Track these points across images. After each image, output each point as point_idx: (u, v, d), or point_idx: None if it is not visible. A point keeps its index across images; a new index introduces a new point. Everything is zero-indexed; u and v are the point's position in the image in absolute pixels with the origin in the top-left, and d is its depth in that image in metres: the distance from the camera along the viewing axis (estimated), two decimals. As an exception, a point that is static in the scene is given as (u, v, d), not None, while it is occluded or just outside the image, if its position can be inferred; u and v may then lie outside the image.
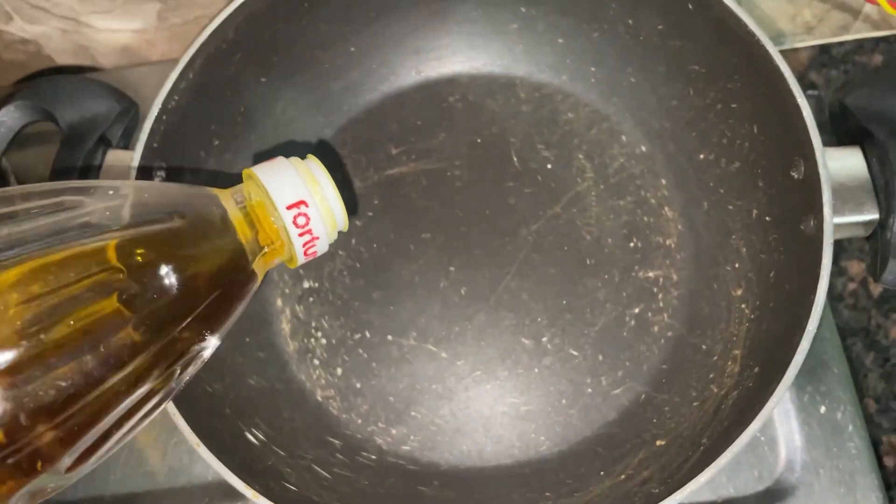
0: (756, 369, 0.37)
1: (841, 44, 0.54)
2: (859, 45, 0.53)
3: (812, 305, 0.34)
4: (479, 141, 0.48)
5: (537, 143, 0.48)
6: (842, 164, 0.37)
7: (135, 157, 0.39)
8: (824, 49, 0.54)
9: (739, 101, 0.42)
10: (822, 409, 0.43)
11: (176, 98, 0.40)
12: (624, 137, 0.48)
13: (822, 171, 0.35)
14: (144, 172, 0.39)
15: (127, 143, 0.42)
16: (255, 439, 0.39)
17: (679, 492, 0.32)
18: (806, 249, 0.36)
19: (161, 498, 0.45)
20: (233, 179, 0.45)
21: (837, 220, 0.35)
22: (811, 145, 0.36)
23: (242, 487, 0.33)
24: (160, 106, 0.40)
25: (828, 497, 0.42)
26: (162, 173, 0.40)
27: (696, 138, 0.45)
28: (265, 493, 0.34)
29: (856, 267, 0.49)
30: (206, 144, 0.44)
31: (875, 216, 0.35)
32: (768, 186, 0.40)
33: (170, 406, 0.34)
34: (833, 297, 0.48)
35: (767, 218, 0.40)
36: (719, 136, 0.43)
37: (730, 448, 0.32)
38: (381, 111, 0.49)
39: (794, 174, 0.38)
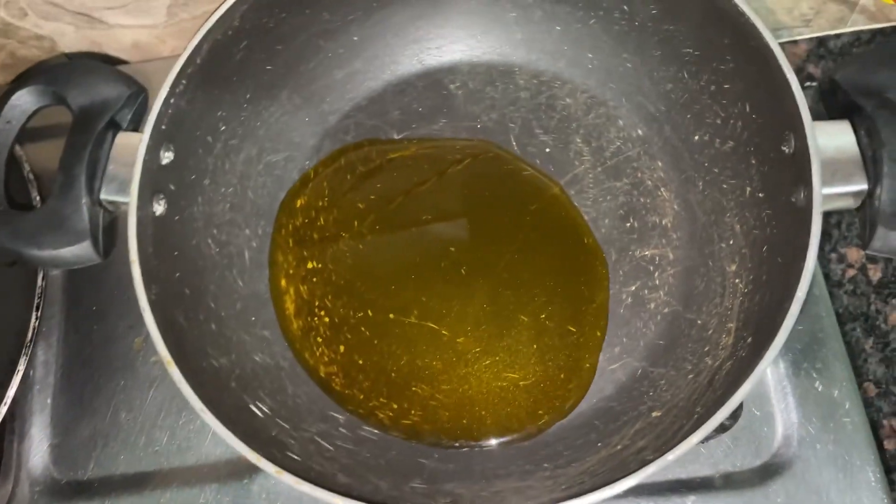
0: (749, 339, 0.38)
1: (838, 36, 0.54)
2: (856, 37, 0.54)
3: (801, 272, 0.34)
4: (479, 126, 0.49)
5: (536, 129, 0.49)
6: (831, 138, 0.37)
7: (143, 137, 0.40)
8: (822, 42, 0.55)
9: (732, 82, 0.43)
10: (819, 386, 0.44)
11: (184, 82, 0.42)
12: (620, 121, 0.49)
13: (810, 142, 0.36)
14: (153, 154, 0.40)
15: (136, 128, 0.43)
16: (260, 412, 0.40)
17: (672, 451, 0.32)
18: (797, 221, 0.37)
19: (169, 477, 0.46)
20: (237, 166, 0.47)
21: (827, 191, 0.36)
22: (800, 119, 0.37)
23: (247, 451, 0.34)
24: (168, 89, 0.41)
25: (824, 472, 0.42)
26: (170, 155, 0.42)
27: (690, 120, 0.46)
28: (269, 459, 0.35)
29: (855, 253, 0.49)
30: (213, 129, 0.45)
31: (864, 186, 0.36)
32: (761, 163, 0.41)
33: (175, 374, 0.35)
34: (832, 283, 0.48)
35: (760, 194, 0.41)
36: (713, 117, 0.44)
37: (721, 409, 0.32)
38: (383, 98, 0.51)
39: (784, 149, 0.38)
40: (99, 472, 0.46)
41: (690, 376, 0.40)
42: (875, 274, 0.49)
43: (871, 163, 0.36)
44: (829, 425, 0.43)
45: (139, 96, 0.43)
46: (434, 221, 0.47)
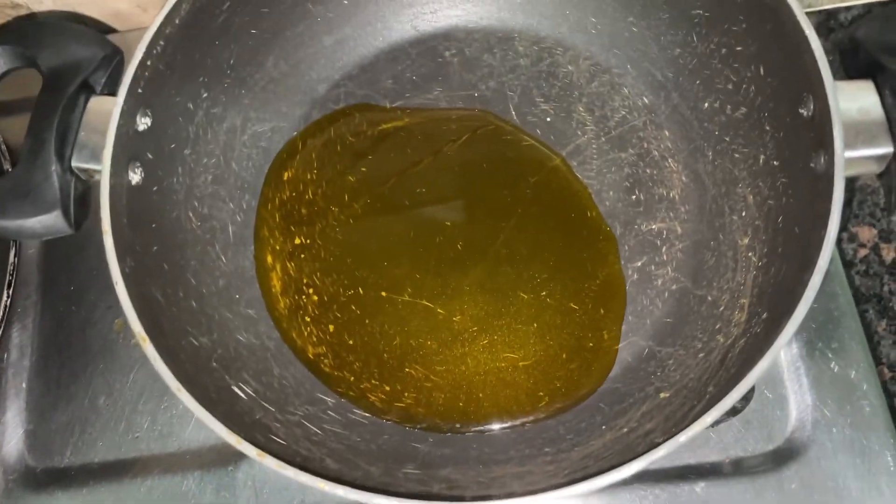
0: (764, 315, 0.35)
1: (848, 9, 0.52)
2: (868, 9, 0.52)
3: (823, 241, 0.32)
4: (476, 95, 0.47)
5: (536, 97, 0.46)
6: (853, 99, 0.35)
7: (117, 100, 0.37)
8: (831, 14, 0.52)
9: (744, 43, 0.40)
10: (835, 367, 0.41)
11: (161, 43, 0.39)
12: (625, 89, 0.46)
13: (831, 102, 0.33)
14: (128, 119, 0.38)
15: (112, 93, 0.40)
16: (243, 393, 0.38)
17: (684, 432, 0.30)
18: (816, 187, 0.34)
19: (150, 464, 0.44)
20: (220, 136, 0.44)
21: (849, 154, 0.33)
22: (820, 78, 0.34)
23: (226, 433, 0.31)
24: (144, 50, 0.38)
25: (840, 456, 0.40)
26: (147, 121, 0.39)
27: (699, 86, 0.43)
28: (252, 443, 0.33)
29: (867, 232, 0.47)
30: (195, 96, 0.43)
31: (889, 150, 0.34)
32: (776, 129, 0.39)
33: (150, 350, 0.33)
34: (844, 263, 0.46)
35: (775, 162, 0.39)
36: (724, 82, 0.42)
37: (737, 388, 0.30)
38: (374, 67, 0.48)
39: (802, 112, 0.36)
40: (76, 459, 0.44)
41: (701, 355, 0.38)
42: (889, 254, 0.46)
43: (896, 125, 0.33)
44: (846, 408, 0.41)
45: (114, 58, 0.40)
46: (428, 195, 0.44)
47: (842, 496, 0.39)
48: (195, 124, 0.43)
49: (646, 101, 0.45)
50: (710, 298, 0.40)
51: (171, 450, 0.44)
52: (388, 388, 0.41)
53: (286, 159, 0.46)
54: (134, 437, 0.44)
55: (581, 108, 0.46)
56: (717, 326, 0.38)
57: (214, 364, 0.38)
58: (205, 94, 0.43)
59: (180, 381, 0.33)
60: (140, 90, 0.38)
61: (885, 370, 0.43)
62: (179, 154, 0.42)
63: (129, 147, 0.38)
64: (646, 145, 0.45)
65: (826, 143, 0.34)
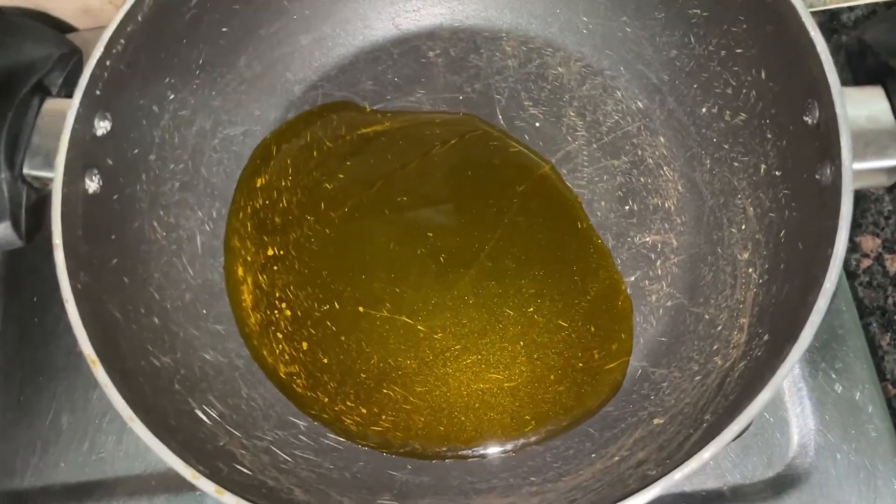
0: (766, 337, 0.33)
1: (851, 9, 0.50)
2: (872, 10, 0.50)
3: (829, 260, 0.29)
4: (461, 98, 0.44)
5: (524, 101, 0.44)
6: (862, 105, 0.33)
7: (72, 103, 0.35)
8: (833, 15, 0.50)
9: (745, 45, 0.38)
10: (839, 388, 0.39)
11: (122, 42, 0.37)
12: (619, 93, 0.44)
13: (839, 110, 0.31)
14: (84, 123, 0.35)
15: (69, 94, 0.38)
16: (207, 417, 0.35)
17: (678, 469, 0.27)
18: (822, 201, 0.32)
19: (114, 487, 0.41)
20: (188, 140, 0.42)
21: (858, 166, 0.31)
22: (826, 83, 0.32)
23: (181, 467, 0.29)
24: (103, 49, 0.36)
25: (845, 484, 0.38)
26: (106, 125, 0.36)
27: (697, 91, 0.41)
28: (211, 475, 0.30)
29: (870, 242, 0.45)
30: (160, 98, 0.40)
31: (901, 160, 0.31)
32: (778, 137, 0.36)
33: (101, 374, 0.30)
34: (847, 275, 0.44)
35: (777, 172, 0.36)
36: (723, 87, 0.39)
37: (736, 420, 0.28)
38: (354, 67, 0.45)
39: (807, 119, 0.33)
40: (36, 480, 0.42)
41: (697, 378, 0.36)
42: (893, 265, 0.44)
43: (909, 134, 0.31)
44: (851, 432, 0.38)
45: (72, 58, 0.38)
46: (410, 204, 0.42)
47: (847, 526, 0.36)
48: (161, 128, 0.40)
49: (640, 105, 0.43)
50: (707, 317, 0.38)
51: (137, 472, 0.42)
52: (364, 411, 0.38)
53: (259, 165, 0.44)
54: (98, 457, 0.42)
55: (572, 113, 0.43)
56: (715, 347, 0.36)
57: (177, 386, 0.35)
58: (171, 96, 0.41)
59: (134, 409, 0.30)
60: (98, 92, 0.36)
61: (890, 386, 0.41)
62: (143, 160, 0.39)
63: (85, 153, 0.35)
64: (640, 152, 0.42)
65: (833, 154, 0.31)
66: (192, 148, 0.42)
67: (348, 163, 0.43)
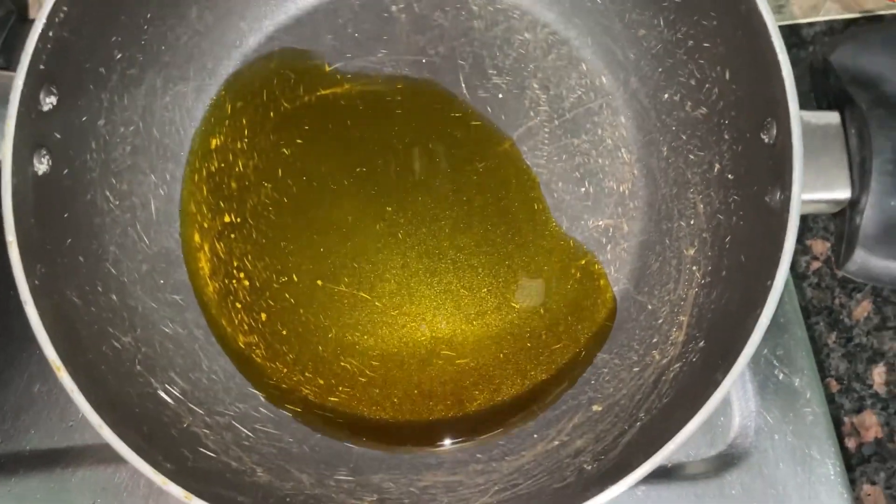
0: (701, 343, 0.35)
1: (811, 24, 0.50)
2: (829, 26, 0.50)
3: (769, 292, 0.31)
4: (424, 62, 0.43)
5: (488, 69, 0.43)
6: (817, 130, 0.33)
7: (15, 84, 0.33)
8: (794, 30, 0.50)
9: (713, 42, 0.37)
10: (779, 375, 0.41)
11: (65, 9, 0.34)
12: (584, 65, 0.43)
13: (795, 143, 0.32)
14: (30, 102, 0.33)
15: (9, 60, 0.35)
16: (170, 397, 0.37)
17: (616, 485, 0.30)
18: (767, 223, 0.33)
19: (84, 454, 0.42)
20: (138, 100, 0.40)
21: (806, 196, 0.32)
22: (787, 110, 0.32)
23: (151, 473, 0.30)
24: (45, 20, 0.33)
25: (783, 463, 0.40)
26: (52, 99, 0.35)
27: (661, 75, 0.41)
28: (178, 468, 0.32)
29: (820, 245, 0.46)
30: (107, 59, 0.38)
31: (846, 195, 0.33)
32: (735, 142, 0.37)
33: (66, 381, 0.31)
34: (796, 275, 0.45)
35: (730, 176, 0.37)
36: (687, 76, 0.39)
37: (666, 445, 0.30)
38: (313, 19, 0.43)
39: (764, 137, 0.34)
40: (7, 447, 0.42)
41: (636, 369, 0.38)
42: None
43: (858, 170, 0.32)
44: (789, 415, 0.41)
45: (8, 21, 0.35)
46: (369, 176, 0.42)
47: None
48: (108, 90, 0.38)
49: (604, 80, 0.43)
50: (650, 307, 0.40)
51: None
52: (321, 382, 0.40)
53: (214, 124, 0.42)
54: (68, 425, 0.42)
55: (535, 85, 0.43)
56: (655, 340, 0.38)
57: (138, 367, 0.36)
58: (119, 56, 0.38)
59: (101, 412, 0.31)
60: (42, 66, 0.34)
61: (834, 382, 0.44)
62: (92, 127, 0.38)
63: (32, 133, 0.34)
64: (600, 132, 0.42)
65: (784, 183, 0.32)
66: (141, 108, 0.40)
67: (306, 127, 0.42)
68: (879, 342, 0.44)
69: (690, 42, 0.39)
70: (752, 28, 0.34)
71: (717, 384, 0.31)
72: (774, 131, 0.33)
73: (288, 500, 0.34)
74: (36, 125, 0.34)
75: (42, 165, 0.34)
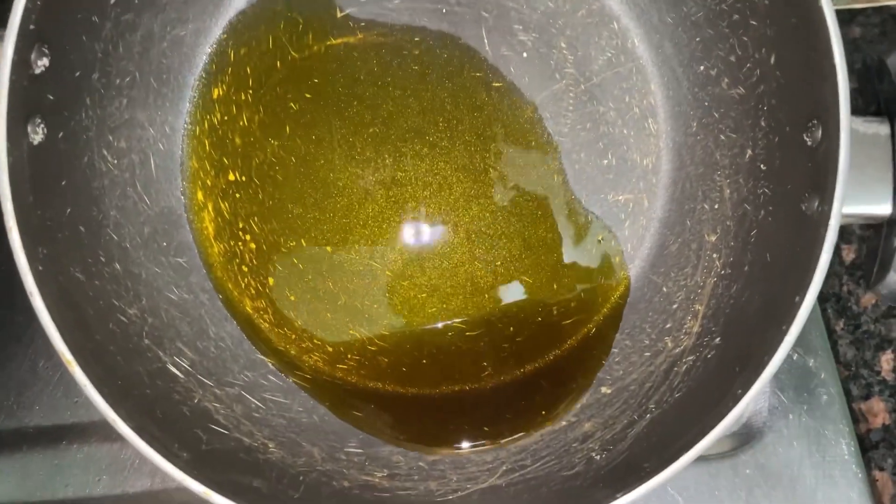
0: (717, 339, 0.35)
1: (864, 11, 0.46)
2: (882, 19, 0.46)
3: (797, 309, 0.31)
4: (444, 12, 0.40)
5: (514, 23, 0.40)
6: (864, 139, 0.32)
7: (5, 50, 0.29)
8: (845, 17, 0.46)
9: (762, 21, 0.35)
10: (794, 355, 0.41)
11: (53, -44, 0.30)
12: (615, 24, 0.40)
13: (842, 156, 0.30)
14: (21, 69, 0.30)
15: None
16: (179, 370, 0.36)
17: (628, 493, 0.31)
18: (799, 229, 0.32)
19: (88, 431, 0.41)
20: (134, 47, 0.37)
21: (846, 210, 0.31)
22: (836, 119, 0.30)
23: (171, 468, 0.30)
24: (33, -25, 0.30)
25: (796, 444, 0.41)
26: (45, 61, 0.31)
27: (699, 45, 0.38)
28: (192, 453, 0.32)
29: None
30: (101, 6, 0.34)
31: (887, 212, 0.32)
32: (771, 131, 0.35)
33: (79, 375, 0.30)
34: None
35: (762, 166, 0.36)
36: (727, 52, 0.37)
37: (678, 460, 0.31)
38: (324, -43, 0.39)
39: (807, 139, 0.32)
40: (10, 423, 0.42)
41: (647, 354, 0.38)
42: (848, 255, 0.46)
43: (903, 187, 0.31)
44: (803, 395, 0.41)
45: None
46: (384, 137, 0.39)
47: (796, 483, 0.40)
48: (103, 39, 0.35)
49: (636, 42, 0.40)
50: (665, 290, 0.39)
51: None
52: (330, 350, 0.40)
53: (215, 72, 0.39)
54: (73, 401, 0.41)
55: (563, 44, 0.40)
56: (668, 326, 0.38)
57: (146, 341, 0.35)
58: (113, 1, 0.35)
59: (115, 402, 0.31)
60: (32, 26, 0.30)
61: (842, 369, 0.44)
62: (86, 81, 0.35)
63: (25, 101, 0.31)
64: (627, 99, 0.40)
65: (824, 194, 0.31)
66: (138, 56, 0.37)
67: (315, 80, 0.39)
68: (887, 329, 0.44)
69: (736, 16, 0.36)
70: (808, 20, 0.31)
71: (736, 399, 0.31)
72: (819, 135, 0.32)
73: (301, 478, 0.35)
74: (29, 93, 0.31)
75: (37, 135, 0.32)
